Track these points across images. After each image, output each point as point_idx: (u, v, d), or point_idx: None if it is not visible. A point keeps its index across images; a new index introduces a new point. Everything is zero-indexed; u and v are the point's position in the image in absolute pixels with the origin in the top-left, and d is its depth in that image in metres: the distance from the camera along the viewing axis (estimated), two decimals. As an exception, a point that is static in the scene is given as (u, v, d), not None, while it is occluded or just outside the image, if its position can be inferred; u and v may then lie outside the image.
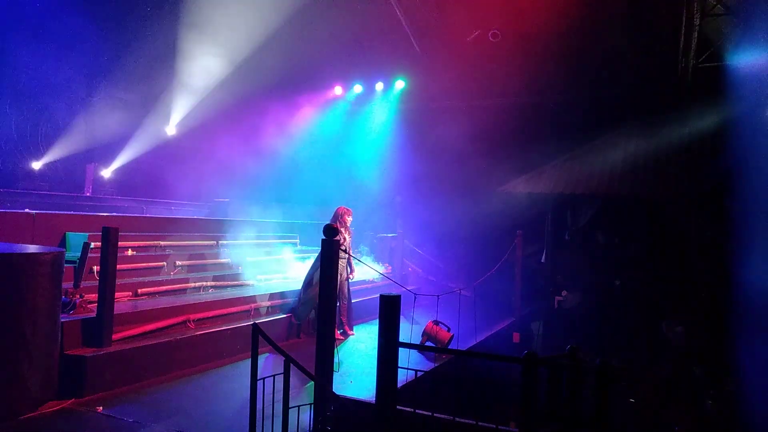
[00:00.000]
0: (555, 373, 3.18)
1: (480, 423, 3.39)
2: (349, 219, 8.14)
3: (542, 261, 12.83)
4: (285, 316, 7.98)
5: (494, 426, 3.36)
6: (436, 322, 7.77)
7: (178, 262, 8.24)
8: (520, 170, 13.38)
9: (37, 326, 4.86)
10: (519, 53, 12.72)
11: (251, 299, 7.81)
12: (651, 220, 11.91)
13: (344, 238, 7.92)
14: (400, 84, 15.10)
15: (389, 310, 3.63)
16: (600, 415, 3.03)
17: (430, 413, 3.48)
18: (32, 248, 5.45)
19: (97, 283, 6.20)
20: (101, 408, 5.01)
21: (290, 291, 8.55)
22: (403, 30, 13.87)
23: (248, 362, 6.49)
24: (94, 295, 6.11)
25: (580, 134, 13.12)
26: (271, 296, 8.18)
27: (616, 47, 12.39)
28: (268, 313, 7.93)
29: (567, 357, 3.20)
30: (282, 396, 3.99)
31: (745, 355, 7.71)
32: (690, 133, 11.34)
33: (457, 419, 3.53)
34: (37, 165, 10.50)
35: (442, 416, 3.59)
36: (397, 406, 3.62)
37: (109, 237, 5.78)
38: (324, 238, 4.72)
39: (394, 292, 7.18)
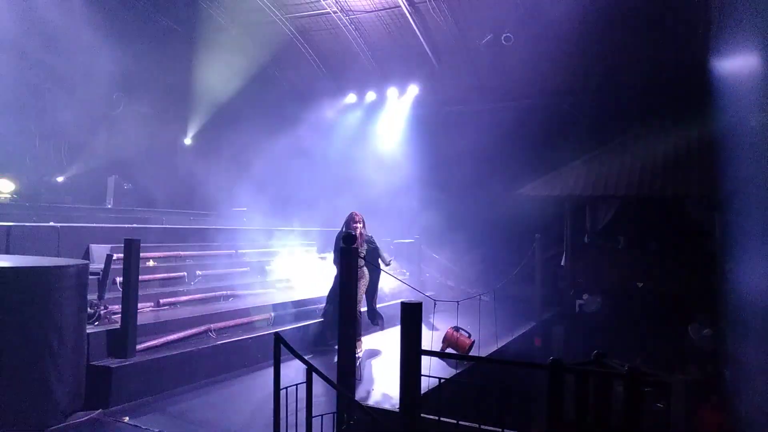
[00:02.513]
0: (582, 380, 3.14)
1: (506, 430, 3.36)
2: (357, 226, 7.51)
3: (562, 264, 12.72)
4: (307, 323, 8.01)
5: (521, 434, 3.34)
6: (457, 329, 7.73)
7: (199, 272, 8.31)
8: (537, 173, 13.29)
9: (64, 338, 4.93)
10: (533, 55, 12.67)
11: (271, 307, 7.84)
12: (673, 220, 11.76)
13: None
14: (413, 89, 15.13)
15: (411, 318, 3.62)
16: (630, 423, 2.99)
17: (455, 421, 3.46)
18: (58, 261, 5.54)
19: (120, 294, 6.28)
20: (127, 418, 5.06)
21: (310, 299, 8.57)
22: (417, 37, 13.89)
23: (271, 371, 6.57)
24: (117, 306, 6.19)
25: (597, 135, 13.02)
26: (293, 304, 8.21)
27: (632, 46, 12.29)
28: (289, 321, 7.96)
29: (594, 363, 3.16)
30: (305, 405, 4.01)
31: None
32: (711, 132, 11.19)
33: (483, 427, 3.51)
34: (60, 178, 10.68)
35: (468, 424, 3.57)
36: (422, 414, 3.60)
37: (132, 249, 5.85)
38: (343, 246, 4.74)
39: (412, 298, 7.17)
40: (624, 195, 11.83)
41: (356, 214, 7.63)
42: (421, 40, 14.00)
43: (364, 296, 7.73)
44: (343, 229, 7.58)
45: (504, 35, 13.11)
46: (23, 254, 6.55)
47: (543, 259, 11.16)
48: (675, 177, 11.36)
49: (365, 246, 7.57)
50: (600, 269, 12.35)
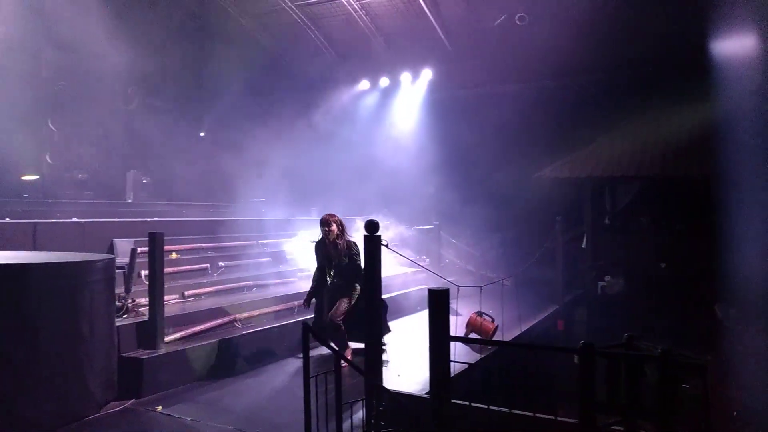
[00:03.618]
0: (614, 364, 3.13)
1: (537, 415, 3.36)
2: (330, 230, 6.47)
3: (583, 246, 12.63)
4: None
5: (553, 417, 3.34)
6: (480, 314, 7.73)
7: (221, 263, 8.39)
8: (556, 155, 13.17)
9: (96, 330, 5.02)
10: (548, 35, 12.49)
11: (295, 296, 7.89)
12: (695, 199, 11.59)
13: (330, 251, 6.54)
14: (427, 74, 15.02)
15: (438, 304, 3.62)
16: (664, 406, 2.97)
17: (486, 406, 3.47)
18: (87, 256, 5.62)
19: (145, 287, 6.37)
20: (160, 408, 5.16)
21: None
22: (429, 20, 13.76)
23: (296, 359, 6.64)
24: (144, 298, 6.29)
25: (617, 114, 12.83)
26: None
27: (650, 23, 12.05)
28: (312, 311, 8.00)
29: (625, 346, 3.14)
30: (335, 392, 4.05)
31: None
32: (724, 109, 10.97)
33: (514, 412, 3.52)
34: (81, 175, 10.80)
35: (498, 409, 3.57)
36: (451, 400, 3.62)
37: (156, 242, 5.92)
38: (366, 234, 4.74)
39: (431, 284, 7.15)
40: (646, 175, 11.67)
41: (331, 216, 6.57)
42: (434, 23, 13.87)
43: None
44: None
45: (518, 15, 12.95)
46: (50, 250, 6.65)
47: (564, 241, 11.08)
48: (699, 156, 11.16)
49: (343, 257, 6.45)
50: (622, 250, 12.25)
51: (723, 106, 10.80)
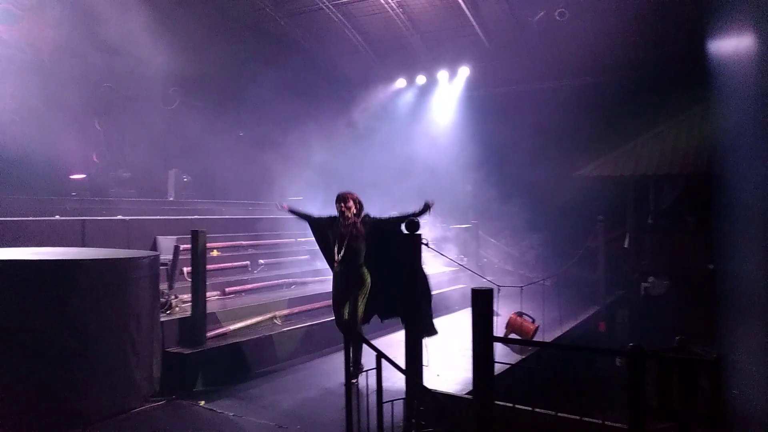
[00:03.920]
0: (664, 367, 3.02)
1: (584, 418, 3.28)
2: (341, 206, 5.65)
3: (625, 246, 12.32)
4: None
5: (600, 422, 3.25)
6: (520, 314, 7.62)
7: (261, 261, 8.49)
8: (596, 153, 12.88)
9: (142, 326, 5.14)
10: (589, 30, 12.23)
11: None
12: (748, 198, 11.16)
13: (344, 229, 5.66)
14: (464, 71, 14.89)
15: (482, 304, 3.57)
16: (716, 411, 2.85)
17: (531, 408, 3.40)
18: (133, 252, 5.76)
19: (188, 283, 6.50)
20: (203, 402, 5.25)
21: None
22: (467, 17, 13.63)
23: (336, 356, 6.66)
24: (186, 295, 6.41)
25: (660, 111, 12.48)
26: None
27: (693, 14, 11.66)
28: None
29: (677, 349, 3.04)
30: (375, 390, 4.04)
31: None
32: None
33: (560, 414, 3.44)
34: (125, 173, 11.06)
35: (544, 411, 3.50)
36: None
37: (198, 240, 6.01)
38: (406, 232, 4.72)
39: (469, 284, 7.06)
40: (690, 173, 11.31)
41: (349, 193, 5.76)
42: (472, 20, 13.72)
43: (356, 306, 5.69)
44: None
45: (557, 11, 12.70)
46: (97, 246, 6.85)
47: (605, 241, 10.83)
48: (748, 153, 10.74)
49: (361, 239, 5.61)
50: (666, 251, 11.89)
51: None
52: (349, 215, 5.59)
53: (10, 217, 6.88)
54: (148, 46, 10.53)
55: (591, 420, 3.34)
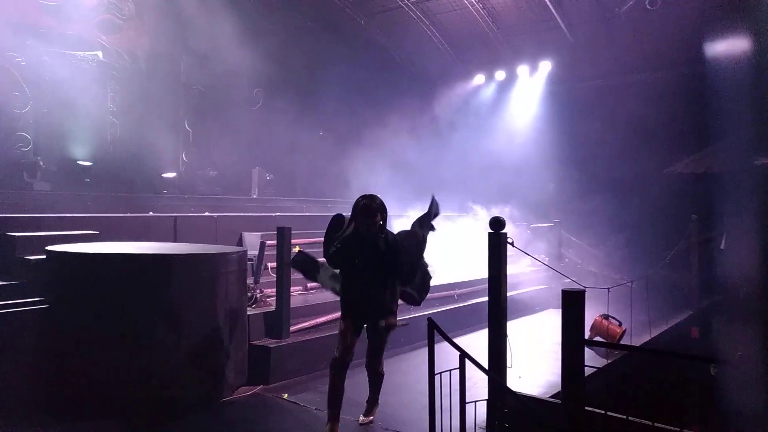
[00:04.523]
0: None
1: (685, 431, 3.09)
2: (368, 222, 4.35)
3: (721, 248, 11.52)
4: (454, 306, 8.03)
5: (702, 434, 3.06)
6: (606, 317, 7.32)
7: (341, 258, 8.59)
8: (689, 149, 12.15)
9: (230, 319, 5.35)
10: (682, 19, 11.53)
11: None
12: None
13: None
14: (546, 66, 14.49)
15: (572, 306, 3.44)
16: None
17: (624, 417, 3.24)
18: (222, 248, 6.00)
19: (272, 278, 6.71)
20: (287, 395, 5.39)
21: (451, 283, 8.63)
22: (548, 9, 13.23)
23: (416, 354, 6.66)
24: (271, 289, 6.61)
25: (762, 102, 11.56)
26: (434, 288, 8.24)
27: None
28: (434, 305, 8.01)
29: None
30: (459, 390, 3.99)
31: None
32: None
33: (657, 425, 3.25)
34: (212, 172, 11.59)
35: (638, 420, 3.33)
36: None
37: (284, 236, 6.18)
38: (490, 231, 4.63)
39: (550, 284, 6.84)
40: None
41: (373, 200, 4.40)
42: (554, 12, 13.32)
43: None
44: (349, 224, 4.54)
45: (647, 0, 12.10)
46: (187, 241, 7.20)
47: (700, 242, 10.19)
48: None
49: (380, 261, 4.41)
50: (768, 253, 11.02)
51: None
52: (374, 230, 4.38)
53: (111, 213, 7.38)
54: (235, 50, 10.98)
55: (691, 432, 3.15)
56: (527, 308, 9.38)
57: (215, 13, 10.82)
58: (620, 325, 7.29)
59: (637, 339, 7.60)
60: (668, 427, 3.29)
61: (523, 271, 10.29)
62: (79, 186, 9.19)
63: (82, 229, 6.44)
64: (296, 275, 7.55)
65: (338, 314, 6.78)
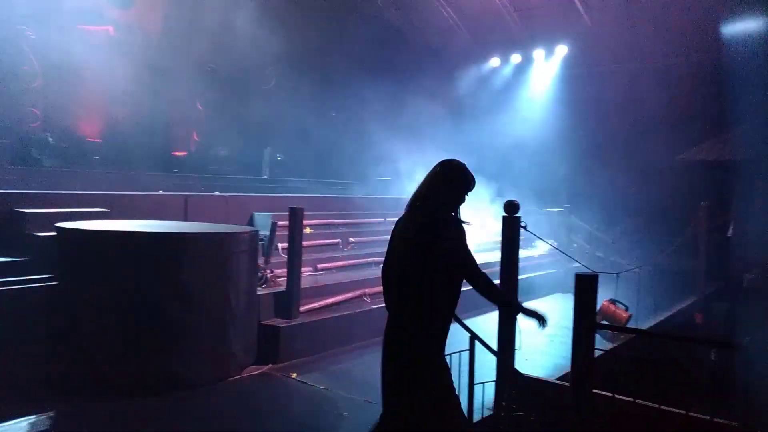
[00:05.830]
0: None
1: (691, 413, 3.13)
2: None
3: (728, 235, 11.49)
4: (469, 288, 8.04)
5: (708, 418, 3.09)
6: (613, 301, 7.36)
7: (351, 239, 8.66)
8: (701, 136, 12.06)
9: (240, 298, 5.39)
10: (701, 5, 11.37)
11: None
12: None
13: None
14: (561, 49, 14.34)
15: (585, 290, 3.44)
16: None
17: (632, 399, 3.28)
18: (233, 228, 6.05)
19: (282, 259, 6.75)
20: (295, 374, 5.45)
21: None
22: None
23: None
24: (280, 270, 6.65)
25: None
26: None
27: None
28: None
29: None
30: (468, 371, 4.04)
31: None
32: None
33: (663, 408, 3.29)
34: (223, 151, 11.60)
35: (646, 403, 3.37)
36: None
37: (296, 217, 6.21)
38: (505, 215, 4.64)
39: (557, 269, 6.86)
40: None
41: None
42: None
43: None
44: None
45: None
46: (198, 221, 7.23)
47: (708, 229, 10.16)
48: None
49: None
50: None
51: None
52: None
53: (123, 191, 7.40)
54: (248, 29, 10.89)
55: (698, 416, 3.18)
56: (534, 292, 9.39)
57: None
58: (627, 309, 7.33)
59: (642, 323, 7.65)
60: (674, 409, 3.33)
61: (531, 255, 10.31)
62: (89, 163, 9.19)
63: (92, 207, 6.39)
64: (306, 256, 7.67)
65: (348, 294, 6.88)
